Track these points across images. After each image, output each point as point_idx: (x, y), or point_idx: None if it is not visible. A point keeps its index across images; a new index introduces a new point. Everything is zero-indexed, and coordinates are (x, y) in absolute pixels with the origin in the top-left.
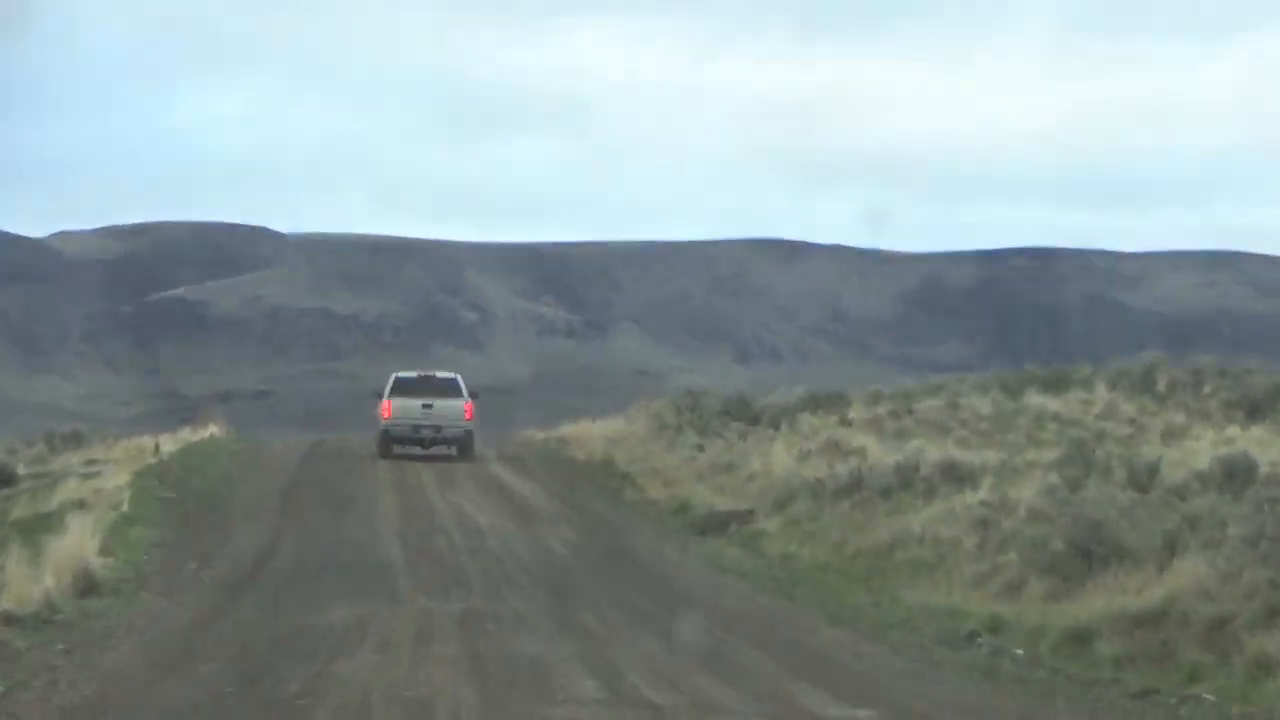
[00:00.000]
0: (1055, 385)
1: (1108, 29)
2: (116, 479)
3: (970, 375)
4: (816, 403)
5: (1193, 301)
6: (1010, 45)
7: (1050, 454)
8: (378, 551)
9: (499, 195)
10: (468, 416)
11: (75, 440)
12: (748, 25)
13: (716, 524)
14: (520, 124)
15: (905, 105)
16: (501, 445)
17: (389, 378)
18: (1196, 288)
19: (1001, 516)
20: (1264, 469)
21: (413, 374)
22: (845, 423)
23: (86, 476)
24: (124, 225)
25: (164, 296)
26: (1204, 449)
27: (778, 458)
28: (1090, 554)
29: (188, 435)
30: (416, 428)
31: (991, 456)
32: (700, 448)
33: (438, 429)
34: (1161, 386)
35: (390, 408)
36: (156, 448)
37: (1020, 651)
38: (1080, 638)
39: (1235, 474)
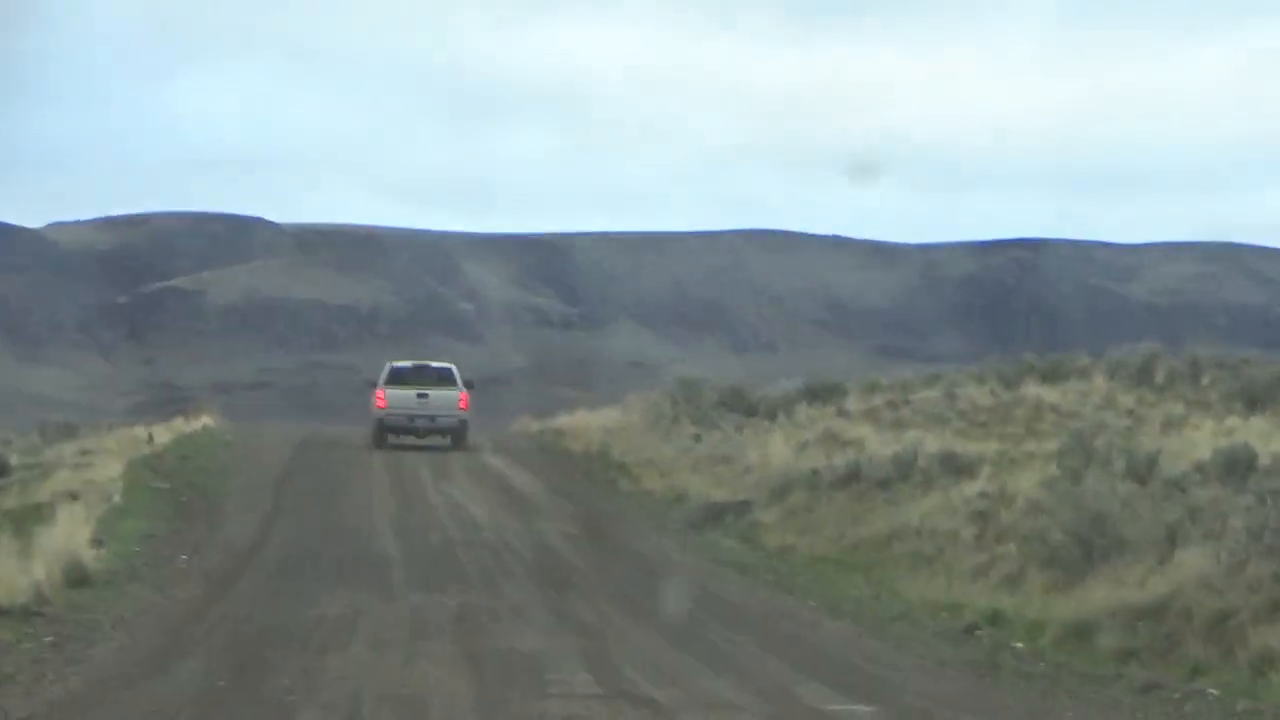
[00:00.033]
0: (1053, 376)
1: (1105, 20)
2: (109, 469)
3: (967, 366)
4: (813, 393)
5: (1190, 293)
6: (1008, 35)
7: (1049, 445)
8: (372, 543)
9: (494, 186)
10: (463, 406)
11: (68, 431)
12: (744, 15)
13: (713, 515)
14: (516, 114)
15: (902, 95)
16: (497, 436)
17: (384, 368)
18: (1194, 279)
19: (1000, 508)
20: (1264, 460)
21: (408, 364)
22: (842, 413)
23: (79, 467)
24: (119, 216)
25: (159, 287)
26: (1204, 440)
27: (775, 449)
28: (1090, 546)
29: (181, 425)
30: (411, 417)
31: (990, 447)
32: (697, 438)
33: (433, 419)
34: (1160, 377)
35: (385, 397)
36: (150, 438)
37: (1021, 645)
38: (1081, 631)
39: (1235, 465)
